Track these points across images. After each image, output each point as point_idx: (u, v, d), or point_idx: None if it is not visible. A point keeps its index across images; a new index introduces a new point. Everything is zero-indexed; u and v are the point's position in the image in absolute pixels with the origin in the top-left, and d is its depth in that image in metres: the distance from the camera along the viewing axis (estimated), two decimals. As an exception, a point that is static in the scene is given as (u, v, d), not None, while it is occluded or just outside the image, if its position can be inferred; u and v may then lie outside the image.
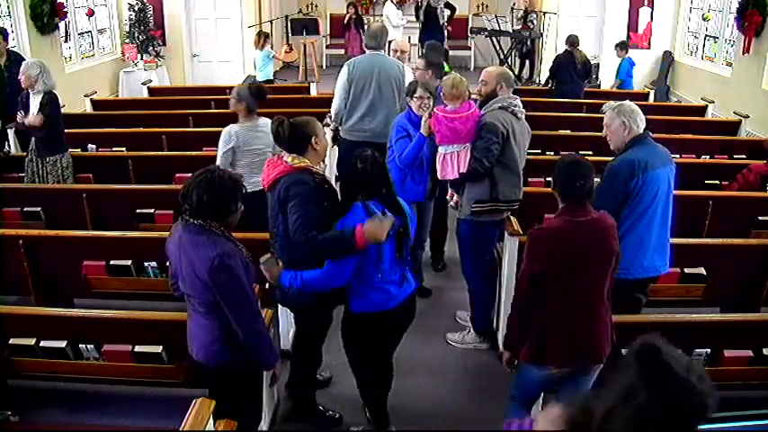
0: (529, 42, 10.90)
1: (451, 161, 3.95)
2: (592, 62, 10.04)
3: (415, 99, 4.18)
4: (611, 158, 3.45)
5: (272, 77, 9.08)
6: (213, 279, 2.47)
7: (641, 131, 3.32)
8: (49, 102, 5.03)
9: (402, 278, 3.06)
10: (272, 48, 9.11)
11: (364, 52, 6.30)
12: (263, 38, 8.94)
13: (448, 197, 4.28)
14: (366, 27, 5.84)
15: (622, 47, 8.74)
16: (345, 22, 11.52)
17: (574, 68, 7.99)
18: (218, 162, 4.24)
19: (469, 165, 3.88)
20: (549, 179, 4.42)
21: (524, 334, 2.81)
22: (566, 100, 7.71)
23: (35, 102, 5.05)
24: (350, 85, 5.13)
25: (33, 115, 5.00)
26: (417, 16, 11.03)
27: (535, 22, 10.82)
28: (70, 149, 5.40)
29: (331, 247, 2.86)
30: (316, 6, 13.60)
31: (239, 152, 4.31)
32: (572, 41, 8.08)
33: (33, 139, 5.16)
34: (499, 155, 3.85)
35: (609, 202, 3.20)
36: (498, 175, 3.90)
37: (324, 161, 5.99)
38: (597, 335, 2.76)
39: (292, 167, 3.02)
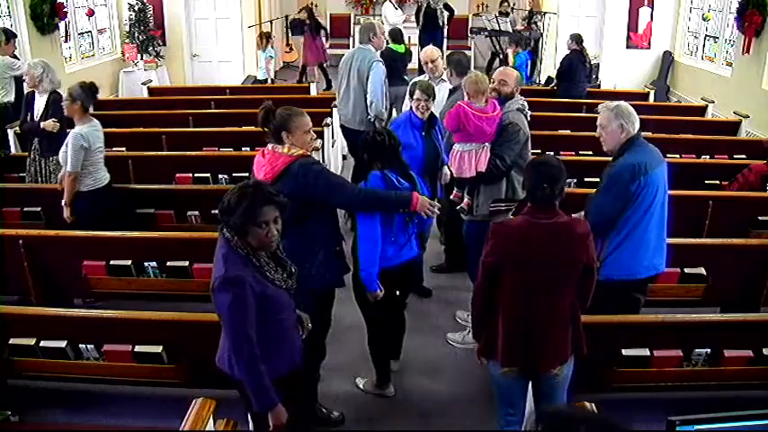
0: (533, 42, 10.88)
1: (469, 160, 3.95)
2: (591, 62, 10.08)
3: (414, 101, 4.20)
4: (609, 158, 3.45)
5: (271, 77, 9.11)
6: (213, 298, 2.42)
7: (635, 133, 3.31)
8: (55, 101, 5.04)
9: (406, 243, 3.39)
10: (272, 47, 9.16)
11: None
12: (264, 38, 8.96)
13: (453, 198, 4.27)
14: (358, 30, 6.25)
15: (517, 42, 8.74)
16: (296, 26, 10.86)
17: (584, 68, 7.96)
18: (69, 168, 4.33)
19: (489, 164, 3.89)
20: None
21: (483, 326, 2.85)
22: (566, 100, 7.69)
23: (41, 101, 5.06)
24: (338, 75, 5.92)
25: (50, 121, 5.00)
26: (417, 19, 11.01)
27: (539, 23, 10.82)
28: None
29: (387, 199, 3.22)
30: (316, 6, 13.59)
31: (88, 153, 4.38)
32: (578, 39, 7.99)
33: (36, 138, 5.15)
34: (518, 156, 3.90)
35: (610, 207, 3.19)
36: (513, 175, 3.95)
37: (327, 160, 6.06)
38: (549, 339, 2.73)
39: (294, 156, 3.05)
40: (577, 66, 7.89)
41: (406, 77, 6.73)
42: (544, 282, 2.68)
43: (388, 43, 6.87)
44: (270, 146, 3.12)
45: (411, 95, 4.26)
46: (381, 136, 3.32)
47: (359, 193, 3.19)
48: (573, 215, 3.04)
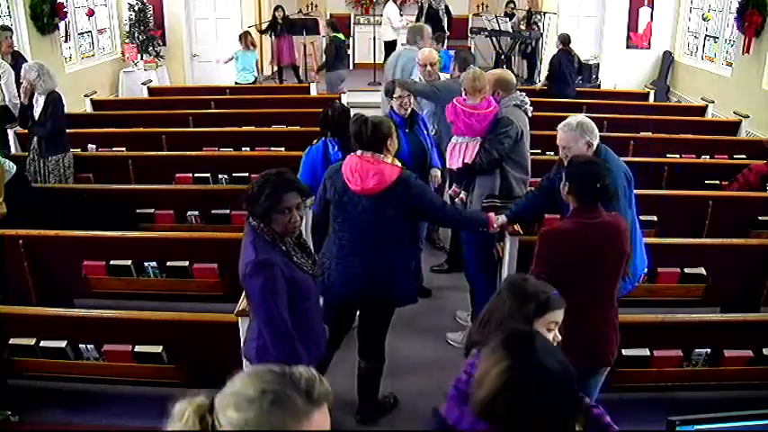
0: (534, 42, 10.89)
1: (459, 151, 4.02)
2: (591, 62, 10.07)
3: (395, 99, 4.22)
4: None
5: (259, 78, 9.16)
6: (245, 285, 2.49)
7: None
8: (52, 101, 5.03)
9: None
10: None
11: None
12: (250, 37, 8.94)
13: (451, 192, 4.30)
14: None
15: (438, 40, 8.82)
16: (266, 28, 10.56)
17: (572, 68, 7.97)
18: None
19: (476, 156, 3.93)
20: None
21: None
22: (566, 100, 7.68)
23: (40, 102, 5.06)
24: (384, 73, 6.31)
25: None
26: (418, 20, 10.97)
27: (539, 23, 10.82)
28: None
29: (467, 219, 3.68)
30: (316, 6, 13.59)
31: None
32: (564, 40, 8.06)
33: (35, 138, 5.15)
34: (511, 152, 3.92)
35: (628, 217, 3.18)
36: (509, 172, 3.97)
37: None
38: (606, 337, 2.75)
39: (401, 168, 3.13)
40: (566, 65, 7.90)
41: (345, 62, 8.96)
42: (602, 281, 2.71)
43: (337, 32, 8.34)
44: (368, 153, 3.10)
45: (389, 94, 4.27)
46: (334, 111, 3.95)
47: (448, 210, 3.41)
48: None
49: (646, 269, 3.53)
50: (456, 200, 4.26)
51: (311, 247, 2.67)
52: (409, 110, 4.27)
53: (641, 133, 6.49)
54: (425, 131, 4.45)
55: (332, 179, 3.18)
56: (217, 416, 1.21)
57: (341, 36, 8.84)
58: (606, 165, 3.13)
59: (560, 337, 1.96)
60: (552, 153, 6.09)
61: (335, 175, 3.16)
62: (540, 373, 1.47)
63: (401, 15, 11.03)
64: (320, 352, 2.75)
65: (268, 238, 2.46)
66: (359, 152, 3.12)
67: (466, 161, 3.98)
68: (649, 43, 10.71)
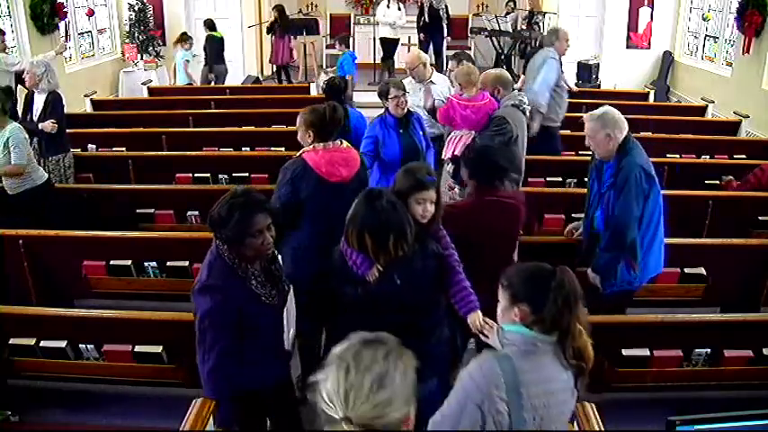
0: (534, 42, 10.89)
1: (453, 143, 4.16)
2: (591, 62, 10.07)
3: (390, 99, 4.16)
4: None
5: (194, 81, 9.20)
6: (193, 299, 2.40)
7: (624, 137, 3.26)
8: (54, 101, 5.04)
9: None
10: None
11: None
12: (187, 38, 9.06)
13: (446, 188, 4.32)
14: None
15: (341, 41, 8.84)
16: (269, 28, 10.61)
17: None
18: (22, 161, 4.39)
19: (465, 149, 3.95)
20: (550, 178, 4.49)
21: None
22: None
23: (39, 100, 5.06)
24: None
25: (48, 122, 5.03)
26: (422, 20, 10.95)
27: (540, 23, 10.81)
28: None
29: None
30: (316, 6, 13.58)
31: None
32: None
33: (36, 138, 5.15)
34: None
35: (635, 206, 3.17)
36: None
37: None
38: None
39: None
40: None
41: (223, 58, 9.52)
42: (496, 257, 2.83)
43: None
44: (329, 144, 3.18)
45: (385, 96, 4.21)
46: (339, 81, 4.66)
47: None
48: None
49: (661, 270, 3.52)
50: (450, 194, 4.26)
51: (281, 277, 2.53)
52: (405, 110, 4.25)
53: (641, 133, 6.47)
54: (420, 132, 4.38)
55: (303, 181, 3.13)
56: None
57: (217, 34, 9.50)
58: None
59: (431, 211, 2.58)
60: (552, 153, 6.11)
61: (304, 175, 3.12)
62: (377, 212, 2.35)
63: (398, 11, 10.96)
64: (263, 385, 2.53)
65: (229, 262, 2.36)
66: (320, 145, 3.14)
67: (456, 153, 4.05)
68: (649, 43, 10.71)
